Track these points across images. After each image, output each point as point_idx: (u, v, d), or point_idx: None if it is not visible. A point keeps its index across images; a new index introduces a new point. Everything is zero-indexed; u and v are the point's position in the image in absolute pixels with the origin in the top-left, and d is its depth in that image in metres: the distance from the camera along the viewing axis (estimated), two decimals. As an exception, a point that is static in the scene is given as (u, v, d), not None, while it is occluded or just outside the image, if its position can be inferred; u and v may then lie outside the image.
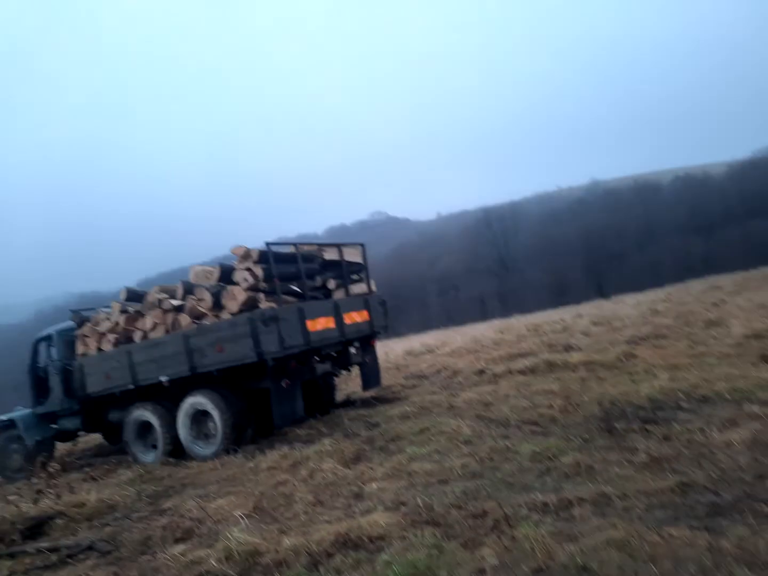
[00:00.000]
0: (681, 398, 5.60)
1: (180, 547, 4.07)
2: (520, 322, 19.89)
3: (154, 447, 8.14)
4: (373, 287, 9.19)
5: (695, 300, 14.69)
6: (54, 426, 9.60)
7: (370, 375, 9.21)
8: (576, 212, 62.24)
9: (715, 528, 2.95)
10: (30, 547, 4.75)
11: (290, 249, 7.99)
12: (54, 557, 4.46)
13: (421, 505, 3.96)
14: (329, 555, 3.47)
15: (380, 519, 3.80)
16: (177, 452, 7.81)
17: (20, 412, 9.97)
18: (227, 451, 7.15)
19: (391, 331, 9.30)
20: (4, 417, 10.04)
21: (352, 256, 8.89)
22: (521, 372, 8.81)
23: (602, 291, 39.60)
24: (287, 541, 3.74)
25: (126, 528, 4.94)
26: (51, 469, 5.46)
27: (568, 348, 10.03)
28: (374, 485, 4.68)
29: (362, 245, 9.19)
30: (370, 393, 9.58)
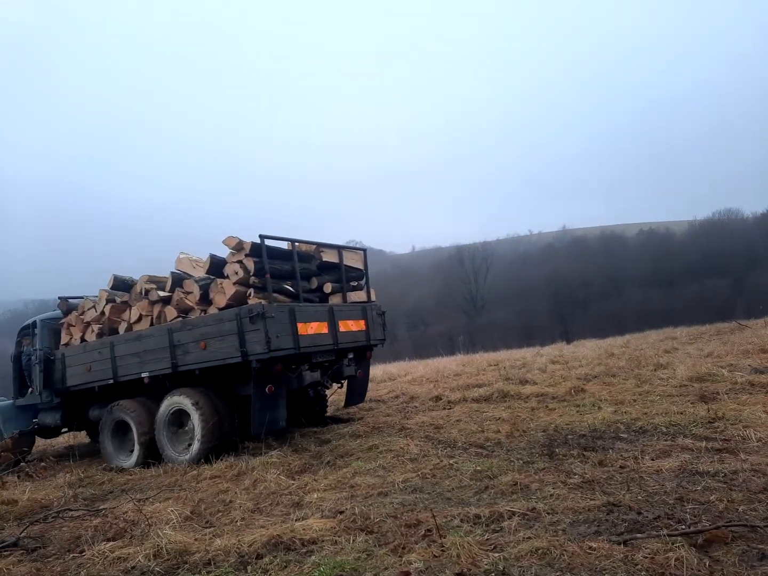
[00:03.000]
0: (621, 429, 5.81)
1: (109, 545, 3.98)
2: (483, 357, 20.13)
3: (131, 449, 7.66)
4: (373, 296, 8.59)
5: (650, 346, 15.19)
6: (35, 420, 9.18)
7: (357, 390, 8.63)
8: (545, 257, 64.05)
9: (632, 543, 3.08)
10: (-49, 539, 4.56)
11: (287, 245, 7.41)
12: (-25, 551, 4.29)
13: (357, 513, 3.99)
14: (259, 556, 3.47)
15: (315, 524, 3.82)
16: (152, 455, 7.32)
17: (0, 403, 9.56)
18: (206, 458, 6.65)
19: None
20: None
21: (353, 261, 8.30)
22: (475, 400, 8.93)
23: (567, 335, 40.46)
24: (218, 542, 3.72)
25: (56, 527, 4.79)
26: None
27: (523, 381, 10.24)
28: (315, 495, 4.69)
29: (364, 251, 8.62)
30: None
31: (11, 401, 9.56)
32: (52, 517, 5.09)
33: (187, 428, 7.19)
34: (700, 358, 10.76)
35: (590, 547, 3.05)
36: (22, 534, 4.55)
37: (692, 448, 4.81)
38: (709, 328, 22.73)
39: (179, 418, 7.23)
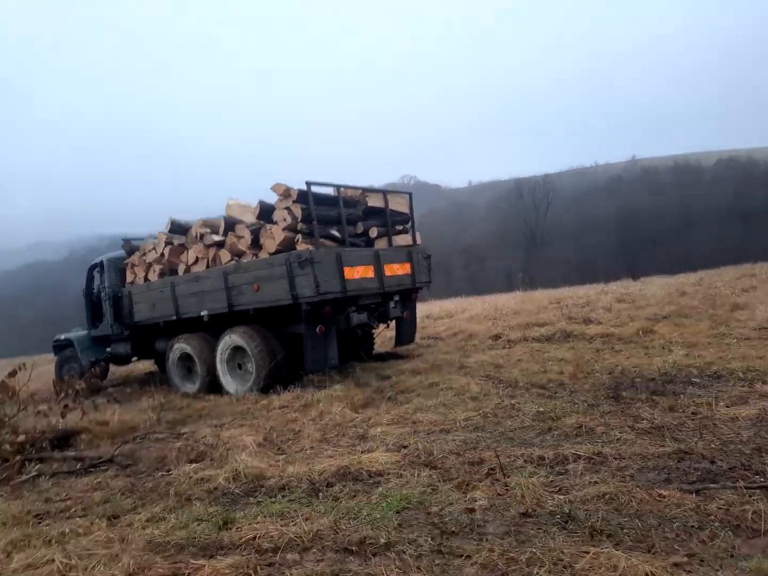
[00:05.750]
0: (693, 374, 5.59)
1: (192, 467, 4.33)
2: (543, 295, 19.71)
3: (194, 379, 8.38)
4: (419, 240, 8.73)
5: (726, 285, 14.31)
6: (108, 349, 10.06)
7: (406, 331, 8.93)
8: (612, 190, 60.53)
9: (705, 493, 3.01)
10: (58, 454, 5.12)
11: (332, 191, 7.62)
12: (78, 465, 4.80)
13: (420, 449, 4.11)
14: (329, 484, 3.66)
15: (381, 457, 3.97)
16: (214, 386, 7.98)
17: (78, 333, 10.52)
18: (260, 390, 7.18)
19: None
20: (62, 336, 10.63)
21: (398, 205, 8.45)
22: (536, 339, 8.83)
23: (632, 273, 38.77)
24: (291, 469, 3.95)
25: (144, 447, 5.26)
26: (78, 388, 5.79)
27: (587, 321, 9.97)
28: (379, 429, 4.85)
29: (410, 194, 8.72)
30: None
31: (87, 332, 10.38)
32: (140, 438, 5.59)
33: (243, 363, 7.71)
34: (783, 299, 10.05)
35: (660, 495, 3.00)
36: (116, 452, 5.02)
37: (772, 396, 4.57)
38: (793, 266, 21.10)
39: (236, 353, 7.73)
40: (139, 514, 3.50)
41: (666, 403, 4.69)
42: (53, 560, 2.83)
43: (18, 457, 4.86)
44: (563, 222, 57.16)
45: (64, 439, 5.63)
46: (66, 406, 5.64)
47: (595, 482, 3.23)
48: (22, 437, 5.09)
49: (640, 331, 8.21)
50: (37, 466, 4.83)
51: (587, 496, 3.05)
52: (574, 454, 3.69)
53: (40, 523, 3.57)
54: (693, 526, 2.67)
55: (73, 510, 3.74)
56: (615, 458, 3.60)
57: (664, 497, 2.97)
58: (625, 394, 5.09)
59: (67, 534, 3.25)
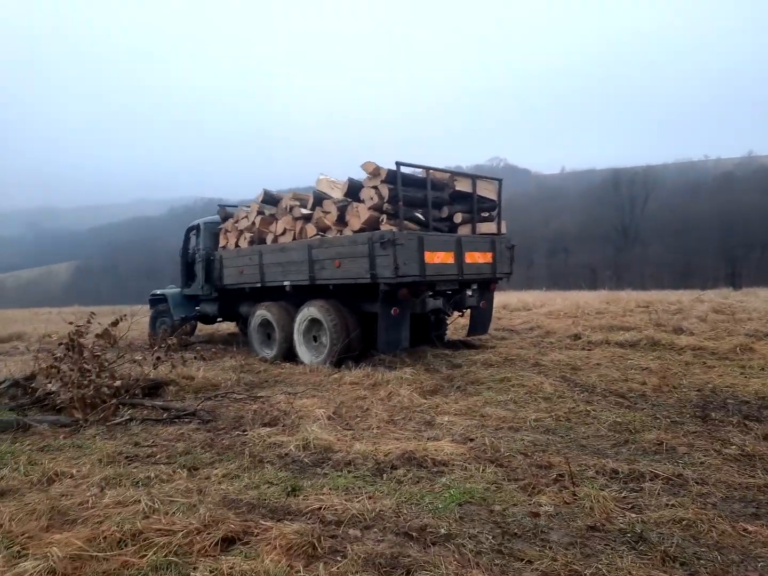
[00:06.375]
0: (796, 403, 5.09)
1: (266, 430, 4.57)
2: (630, 296, 18.65)
3: (272, 345, 8.83)
4: (504, 229, 8.56)
5: None
6: (197, 308, 10.80)
7: (480, 321, 8.85)
8: (721, 187, 55.55)
9: (798, 535, 2.76)
10: (148, 402, 5.59)
11: (421, 173, 7.59)
12: (165, 415, 5.21)
13: (487, 444, 4.07)
14: (394, 467, 3.72)
15: (446, 447, 3.98)
16: (289, 354, 8.35)
17: (172, 290, 11.38)
18: (332, 363, 7.40)
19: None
20: (159, 291, 11.56)
21: (486, 191, 8.24)
22: (619, 344, 8.39)
23: (734, 281, 35.70)
24: (358, 446, 4.06)
25: (224, 405, 5.61)
26: (170, 342, 6.26)
27: (678, 330, 9.34)
28: (446, 418, 4.85)
29: (500, 181, 8.49)
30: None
31: (180, 290, 11.11)
32: (221, 396, 5.96)
33: (318, 335, 7.98)
34: None
35: (745, 529, 2.79)
36: (199, 407, 5.40)
37: None
38: None
39: (313, 325, 8.01)
40: (216, 469, 3.75)
41: (760, 430, 4.31)
42: (140, 501, 3.11)
43: (114, 401, 5.36)
44: (661, 218, 53.32)
45: (153, 389, 6.13)
46: (158, 358, 6.12)
47: (673, 505, 3.05)
48: (118, 382, 5.59)
49: (738, 348, 7.56)
50: (129, 410, 5.31)
51: (662, 519, 2.89)
52: (651, 472, 3.50)
53: (129, 464, 3.92)
54: (780, 569, 2.46)
55: (158, 456, 4.08)
56: (697, 483, 3.38)
57: (750, 533, 2.76)
58: (714, 414, 4.74)
59: (152, 479, 3.56)
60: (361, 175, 7.66)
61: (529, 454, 3.91)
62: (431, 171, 7.60)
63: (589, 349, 8.29)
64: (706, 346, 7.88)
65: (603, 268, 46.40)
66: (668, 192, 58.06)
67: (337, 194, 7.98)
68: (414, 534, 2.76)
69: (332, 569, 2.41)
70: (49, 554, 2.49)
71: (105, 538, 2.68)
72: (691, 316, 11.29)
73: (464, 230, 8.00)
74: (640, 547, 2.62)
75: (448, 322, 9.48)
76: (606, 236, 55.59)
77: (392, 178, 7.11)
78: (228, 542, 2.68)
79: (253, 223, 9.16)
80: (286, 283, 8.33)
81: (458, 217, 7.94)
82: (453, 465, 3.71)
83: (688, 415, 4.79)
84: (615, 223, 56.51)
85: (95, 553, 2.56)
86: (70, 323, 6.00)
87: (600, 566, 2.43)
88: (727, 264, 45.90)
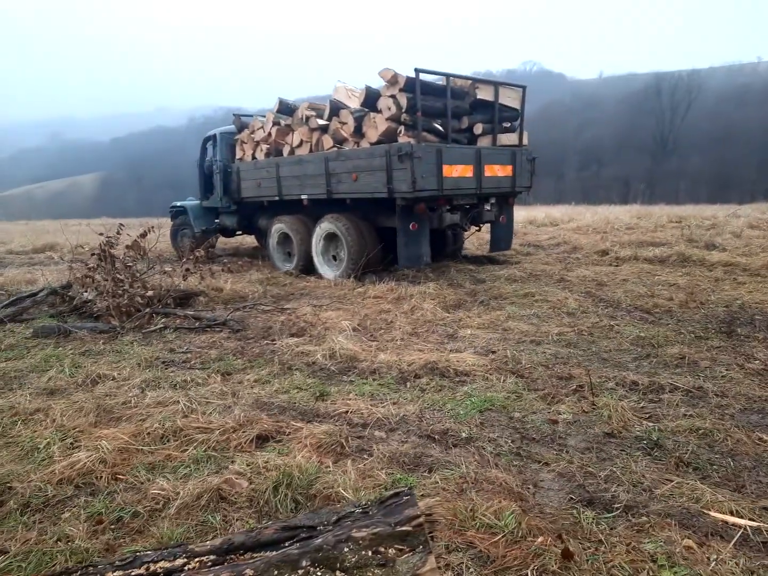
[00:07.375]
0: (827, 320, 5.01)
1: (294, 340, 4.73)
2: (663, 211, 18.03)
3: (291, 258, 8.91)
4: (525, 140, 8.23)
5: None
6: (217, 221, 10.81)
7: (501, 236, 8.64)
8: (773, 94, 51.46)
9: (814, 445, 2.82)
10: (180, 311, 5.80)
11: (441, 80, 7.24)
12: (197, 324, 5.42)
13: (509, 356, 4.15)
14: (417, 376, 3.85)
15: (468, 359, 4.08)
16: (308, 266, 8.44)
17: (191, 202, 11.34)
18: (350, 277, 7.44)
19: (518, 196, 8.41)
20: (178, 203, 11.54)
21: (509, 99, 7.86)
22: (648, 260, 8.24)
23: (775, 194, 33.99)
24: (382, 356, 4.19)
25: (253, 316, 5.79)
26: (198, 255, 6.37)
27: (710, 246, 9.08)
28: (468, 331, 4.94)
29: (524, 88, 8.06)
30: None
31: (199, 202, 11.06)
32: (249, 307, 6.14)
33: (336, 249, 7.99)
34: None
35: (760, 439, 2.86)
36: (229, 316, 5.58)
37: None
38: None
39: (331, 239, 8.00)
40: (248, 374, 3.94)
41: (787, 346, 4.29)
42: (178, 401, 3.32)
43: (148, 309, 5.57)
44: (702, 128, 50.19)
45: (184, 299, 6.34)
46: (187, 269, 6.26)
47: (690, 415, 3.12)
48: (150, 292, 5.79)
49: (772, 264, 7.37)
50: (163, 319, 5.53)
51: (679, 428, 2.97)
52: (671, 384, 3.56)
53: (166, 368, 4.14)
54: (792, 477, 2.54)
55: (193, 362, 4.29)
56: (716, 395, 3.43)
57: (765, 441, 2.83)
58: (740, 330, 4.71)
59: (189, 382, 3.77)
60: (379, 84, 7.33)
61: (550, 366, 3.99)
62: (452, 78, 7.24)
63: (616, 265, 8.17)
64: (738, 262, 7.69)
65: (636, 182, 44.56)
66: (712, 98, 54.15)
67: (354, 103, 7.68)
68: (436, 437, 2.90)
69: (359, 465, 2.57)
70: (99, 446, 2.71)
71: (149, 433, 2.89)
72: (725, 232, 10.95)
73: (484, 141, 7.71)
74: (655, 453, 2.72)
75: (464, 237, 9.36)
76: (642, 147, 52.87)
77: (411, 86, 6.79)
78: (262, 440, 2.87)
79: (269, 134, 8.91)
80: (303, 196, 8.24)
81: (478, 128, 7.62)
82: (474, 375, 3.82)
83: (713, 331, 4.78)
84: (653, 133, 53.49)
85: (141, 447, 2.78)
86: (100, 234, 6.11)
87: (614, 469, 2.54)
88: (769, 177, 43.52)
